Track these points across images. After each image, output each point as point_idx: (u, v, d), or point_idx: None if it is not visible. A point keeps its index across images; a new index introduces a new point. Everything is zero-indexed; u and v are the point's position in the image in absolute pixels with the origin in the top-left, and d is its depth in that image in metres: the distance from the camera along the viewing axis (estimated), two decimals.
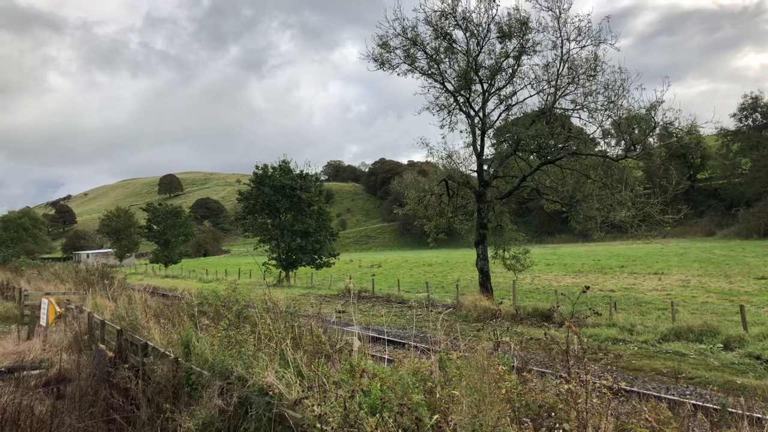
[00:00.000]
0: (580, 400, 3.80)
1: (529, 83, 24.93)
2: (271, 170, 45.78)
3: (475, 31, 24.19)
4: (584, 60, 22.96)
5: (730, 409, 7.46)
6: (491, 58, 24.83)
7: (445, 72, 25.44)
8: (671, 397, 10.19)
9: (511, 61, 24.59)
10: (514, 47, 24.19)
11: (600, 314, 18.13)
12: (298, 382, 5.09)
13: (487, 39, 24.34)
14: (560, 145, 25.61)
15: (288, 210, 45.51)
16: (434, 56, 25.03)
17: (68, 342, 13.97)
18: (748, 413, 5.61)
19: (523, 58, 24.45)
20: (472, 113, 25.74)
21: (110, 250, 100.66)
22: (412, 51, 25.08)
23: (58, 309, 15.51)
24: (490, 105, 25.91)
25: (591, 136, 25.66)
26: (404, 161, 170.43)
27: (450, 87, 25.69)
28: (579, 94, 23.40)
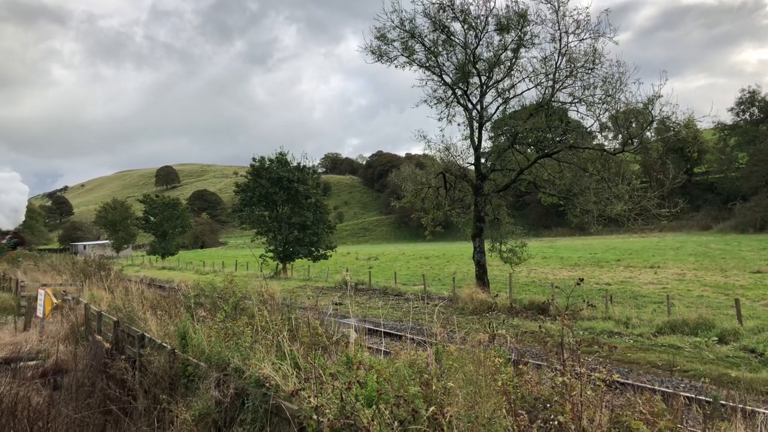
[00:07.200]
0: (574, 393, 3.82)
1: (527, 76, 24.93)
2: (269, 162, 45.69)
3: (474, 24, 24.12)
4: (583, 53, 22.94)
5: (722, 402, 7.52)
6: (489, 51, 24.80)
7: (443, 64, 25.40)
8: (666, 390, 10.26)
9: (509, 53, 24.56)
10: (512, 40, 24.14)
11: (595, 307, 18.13)
12: (295, 373, 5.10)
13: (485, 31, 24.29)
14: (558, 139, 25.62)
15: (285, 202, 45.46)
16: (432, 48, 24.95)
17: (65, 333, 13.98)
18: (741, 406, 5.66)
19: (521, 50, 24.43)
20: (470, 106, 25.71)
21: (107, 241, 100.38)
22: (410, 43, 25.00)
23: (54, 300, 15.49)
24: (488, 98, 25.92)
25: (588, 129, 25.69)
26: (402, 154, 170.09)
27: (448, 79, 25.65)
28: (577, 88, 23.41)
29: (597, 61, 22.56)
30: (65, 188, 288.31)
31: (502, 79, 25.25)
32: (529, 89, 25.56)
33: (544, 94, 24.24)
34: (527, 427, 3.70)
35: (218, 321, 7.38)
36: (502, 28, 23.94)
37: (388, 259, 56.21)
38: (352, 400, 4.03)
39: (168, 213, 76.40)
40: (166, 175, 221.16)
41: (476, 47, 24.40)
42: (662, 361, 13.23)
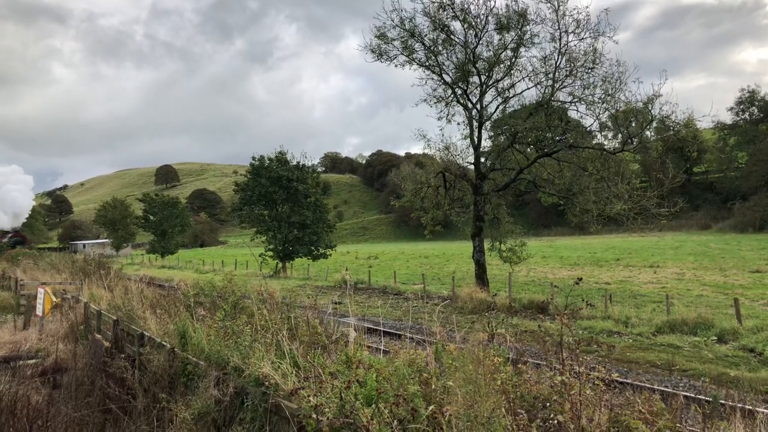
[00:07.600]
0: (573, 392, 3.82)
1: (527, 75, 24.91)
2: (268, 161, 45.68)
3: (473, 23, 24.10)
4: (583, 53, 22.93)
5: (722, 401, 7.53)
6: (489, 50, 24.78)
7: (443, 64, 25.37)
8: (665, 389, 10.27)
9: (509, 53, 24.55)
10: (512, 39, 24.13)
11: (595, 307, 18.22)
12: (294, 372, 5.11)
13: (485, 31, 24.27)
14: (557, 138, 25.62)
15: (285, 201, 45.45)
16: (432, 48, 24.94)
17: (64, 332, 13.97)
18: (740, 405, 5.66)
19: (521, 50, 24.42)
20: (470, 105, 25.70)
21: (107, 240, 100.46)
22: (410, 42, 24.96)
23: (54, 299, 15.49)
24: (488, 97, 25.90)
25: (588, 128, 25.69)
26: (402, 153, 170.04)
27: (448, 79, 25.63)
28: (577, 87, 23.39)
29: (597, 60, 22.55)
30: (65, 187, 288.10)
31: (502, 78, 25.26)
32: (528, 88, 25.56)
33: (544, 93, 24.25)
34: (526, 426, 3.71)
35: (218, 320, 7.39)
36: (502, 28, 23.93)
37: (388, 258, 56.21)
38: (352, 399, 4.03)
39: (167, 212, 76.44)
40: (166, 174, 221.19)
41: (476, 46, 24.40)
42: (661, 361, 13.23)
